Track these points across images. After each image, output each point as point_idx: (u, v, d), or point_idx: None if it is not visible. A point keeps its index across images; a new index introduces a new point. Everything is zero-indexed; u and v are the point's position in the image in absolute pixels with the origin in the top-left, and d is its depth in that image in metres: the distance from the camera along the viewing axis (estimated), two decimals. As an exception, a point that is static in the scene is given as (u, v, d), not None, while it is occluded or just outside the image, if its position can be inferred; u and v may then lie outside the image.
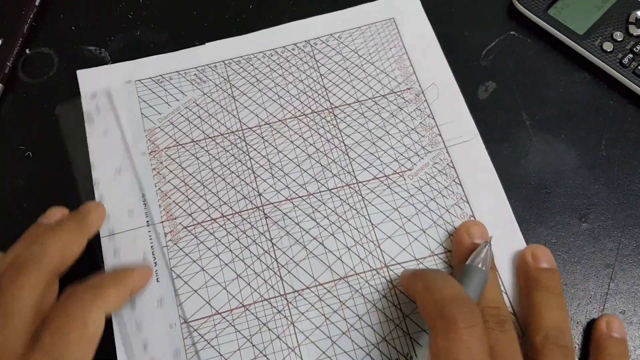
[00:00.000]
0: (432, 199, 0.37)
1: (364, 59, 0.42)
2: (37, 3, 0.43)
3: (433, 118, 0.40)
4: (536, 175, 0.38)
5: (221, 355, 0.33)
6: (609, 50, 0.40)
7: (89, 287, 0.30)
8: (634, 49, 0.40)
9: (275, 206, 0.37)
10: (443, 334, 0.26)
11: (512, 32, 0.43)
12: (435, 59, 0.42)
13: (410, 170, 0.38)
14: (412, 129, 0.39)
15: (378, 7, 0.44)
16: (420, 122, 0.40)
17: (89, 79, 0.42)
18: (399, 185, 0.38)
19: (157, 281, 0.35)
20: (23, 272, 0.28)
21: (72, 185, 0.38)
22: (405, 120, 0.40)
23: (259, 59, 0.42)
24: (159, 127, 0.40)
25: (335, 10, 0.44)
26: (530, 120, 0.40)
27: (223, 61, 0.42)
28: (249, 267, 0.36)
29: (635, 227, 0.37)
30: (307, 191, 0.38)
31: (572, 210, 0.37)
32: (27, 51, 0.43)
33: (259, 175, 0.38)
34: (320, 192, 0.38)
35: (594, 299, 0.35)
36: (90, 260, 0.36)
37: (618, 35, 0.40)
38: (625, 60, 0.39)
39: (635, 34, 0.40)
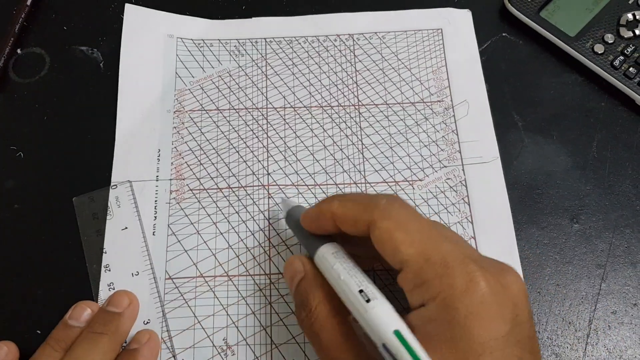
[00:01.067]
0: (436, 213, 0.37)
1: (402, 63, 0.42)
2: (28, 3, 0.43)
3: (457, 134, 0.39)
4: (528, 177, 0.38)
5: (195, 316, 0.34)
6: (600, 52, 0.40)
7: None
8: (625, 51, 0.40)
9: (280, 188, 0.38)
10: None
11: (504, 34, 0.43)
12: (473, 77, 0.41)
13: (421, 180, 0.38)
14: (433, 141, 0.39)
15: (429, 15, 0.43)
16: (443, 136, 0.39)
17: (134, 17, 0.43)
18: (406, 193, 0.38)
19: (153, 235, 0.36)
20: None
21: (66, 186, 0.38)
22: (429, 131, 0.39)
23: (300, 44, 0.43)
24: (189, 89, 0.41)
25: (386, 10, 0.44)
26: (522, 122, 0.40)
27: (265, 38, 0.43)
28: (242, 240, 0.36)
29: (626, 228, 0.37)
30: (315, 181, 0.38)
31: (563, 211, 0.37)
32: (19, 51, 0.43)
33: (272, 155, 0.39)
34: (327, 184, 0.38)
35: (585, 300, 0.35)
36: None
37: (609, 38, 0.41)
38: (616, 62, 0.40)
39: (626, 36, 0.41)
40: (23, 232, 0.37)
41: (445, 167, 0.38)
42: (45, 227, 0.37)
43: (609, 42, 0.41)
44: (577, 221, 0.37)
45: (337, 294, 0.27)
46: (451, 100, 0.40)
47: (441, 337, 0.23)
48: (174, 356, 0.33)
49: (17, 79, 0.42)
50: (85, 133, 0.40)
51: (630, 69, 0.39)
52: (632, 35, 0.41)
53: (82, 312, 0.32)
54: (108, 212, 0.37)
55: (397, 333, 0.22)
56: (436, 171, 0.38)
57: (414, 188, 0.38)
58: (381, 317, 0.24)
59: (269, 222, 0.37)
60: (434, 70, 0.41)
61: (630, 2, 0.42)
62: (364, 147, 0.39)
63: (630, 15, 0.41)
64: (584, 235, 0.37)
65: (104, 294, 0.34)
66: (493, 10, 0.44)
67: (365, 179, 0.38)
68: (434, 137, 0.39)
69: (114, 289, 0.34)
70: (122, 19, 0.44)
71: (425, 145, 0.39)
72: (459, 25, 0.43)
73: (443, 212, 0.37)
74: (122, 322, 0.32)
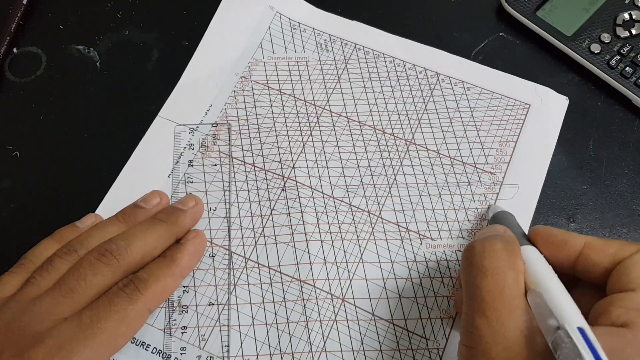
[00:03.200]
0: (429, 277, 0.35)
1: (474, 121, 0.40)
2: (24, 1, 0.43)
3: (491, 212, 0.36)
4: (525, 176, 0.38)
5: None
6: (596, 52, 0.40)
7: (139, 281, 0.31)
8: (621, 50, 0.40)
9: (297, 185, 0.38)
10: None
11: (501, 34, 0.43)
12: (538, 166, 0.38)
13: (432, 240, 0.36)
14: (464, 209, 0.37)
15: (524, 86, 0.41)
16: (477, 208, 0.37)
17: None
18: (411, 244, 0.36)
19: (168, 177, 0.38)
20: (103, 261, 0.31)
21: (62, 185, 0.38)
22: (465, 196, 0.37)
23: (385, 62, 0.42)
24: (264, 62, 0.42)
25: (489, 66, 0.42)
26: (519, 121, 0.40)
27: (355, 43, 0.43)
28: (239, 217, 0.37)
29: (622, 227, 0.37)
30: (332, 193, 0.38)
31: (560, 211, 0.37)
32: (15, 50, 0.43)
33: (305, 152, 0.39)
34: (342, 201, 0.37)
35: (582, 299, 0.35)
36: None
37: (605, 37, 0.41)
38: (613, 62, 0.40)
39: (622, 35, 0.41)
40: (20, 231, 0.37)
41: (463, 238, 0.36)
42: (42, 227, 0.37)
43: (606, 41, 0.41)
44: (574, 220, 0.37)
45: (532, 276, 0.27)
46: (503, 178, 0.38)
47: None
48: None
49: (13, 78, 0.42)
50: (81, 132, 0.40)
51: (627, 68, 0.40)
52: (628, 34, 0.41)
53: (153, 199, 0.35)
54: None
55: (581, 329, 0.23)
56: (451, 238, 0.36)
57: (421, 242, 0.36)
58: (574, 309, 0.24)
59: (270, 212, 0.37)
60: (502, 141, 0.39)
61: (626, 1, 0.42)
62: (395, 182, 0.38)
63: (626, 15, 0.41)
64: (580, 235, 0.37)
65: None
66: (490, 10, 0.44)
67: (379, 213, 0.37)
68: (468, 204, 0.37)
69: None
70: (119, 18, 0.44)
71: (455, 209, 0.37)
72: (550, 108, 0.40)
73: (437, 277, 0.35)
74: (183, 217, 0.35)
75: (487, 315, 0.25)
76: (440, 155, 0.39)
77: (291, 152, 0.39)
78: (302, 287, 0.35)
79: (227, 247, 0.36)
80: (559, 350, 0.22)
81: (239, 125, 0.40)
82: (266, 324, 0.34)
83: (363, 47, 0.42)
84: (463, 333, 0.26)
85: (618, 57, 0.40)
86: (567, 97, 0.40)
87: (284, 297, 0.35)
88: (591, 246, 0.28)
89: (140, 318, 0.31)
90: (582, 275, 0.28)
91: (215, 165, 0.38)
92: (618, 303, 0.25)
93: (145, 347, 0.33)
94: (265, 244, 0.36)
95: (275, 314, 0.34)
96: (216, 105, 0.40)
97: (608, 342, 0.23)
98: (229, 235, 0.36)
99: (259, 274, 0.35)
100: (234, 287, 0.35)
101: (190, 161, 0.38)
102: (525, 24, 0.42)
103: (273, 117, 0.40)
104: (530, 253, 0.28)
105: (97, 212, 0.37)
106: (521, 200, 0.37)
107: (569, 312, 0.24)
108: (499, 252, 0.27)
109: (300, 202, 0.37)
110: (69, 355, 0.28)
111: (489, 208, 0.37)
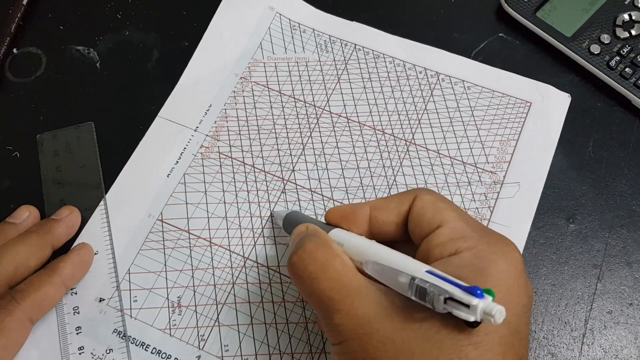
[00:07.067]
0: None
1: (475, 120, 0.40)
2: (24, 2, 0.43)
3: (491, 212, 0.37)
4: (524, 176, 0.38)
5: (165, 264, 0.36)
6: (596, 53, 0.40)
7: (16, 292, 0.31)
8: (621, 51, 0.40)
9: (297, 188, 0.38)
10: None
11: (500, 34, 0.43)
12: (540, 164, 0.38)
13: None
14: (465, 209, 0.37)
15: (525, 84, 0.40)
16: (477, 208, 0.37)
17: None
18: None
19: (167, 177, 0.38)
20: None
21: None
22: (465, 196, 0.37)
23: (385, 62, 0.42)
24: (264, 62, 0.42)
25: (488, 64, 0.42)
26: (518, 122, 0.40)
27: (355, 44, 0.43)
28: (239, 217, 0.37)
29: (622, 228, 0.37)
30: (331, 195, 0.38)
31: (560, 211, 0.37)
32: (15, 51, 0.43)
33: (305, 154, 0.39)
34: (341, 202, 0.37)
35: (581, 299, 0.35)
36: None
37: (605, 38, 0.41)
38: (612, 63, 0.40)
39: (622, 36, 0.41)
40: (19, 232, 0.37)
41: None
42: (42, 227, 0.37)
43: (605, 42, 0.41)
44: (573, 221, 0.37)
45: (355, 251, 0.27)
46: (504, 177, 0.38)
47: (471, 281, 0.24)
48: (118, 286, 0.35)
49: (14, 78, 0.42)
50: (81, 133, 0.40)
51: (626, 69, 0.40)
52: (628, 35, 0.41)
53: (22, 213, 0.35)
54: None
55: (430, 271, 0.24)
56: None
57: None
58: (412, 260, 0.25)
59: (271, 214, 0.37)
60: (503, 140, 0.39)
61: (626, 2, 0.42)
62: (395, 183, 0.38)
63: (626, 16, 0.41)
64: (580, 235, 0.37)
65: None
66: (490, 11, 0.44)
67: None
68: (468, 204, 0.37)
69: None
70: (119, 18, 0.44)
71: None
72: (552, 106, 0.40)
73: None
74: (57, 226, 0.34)
75: (339, 309, 0.25)
76: (440, 155, 0.39)
77: (291, 155, 0.39)
78: None
79: (226, 247, 0.36)
80: (427, 295, 0.23)
81: (239, 126, 0.40)
82: (265, 323, 0.34)
83: (363, 47, 0.42)
84: (329, 336, 0.26)
85: (618, 57, 0.40)
86: (568, 94, 0.40)
87: (283, 298, 0.35)
88: (376, 207, 0.29)
89: (20, 329, 0.31)
90: (378, 237, 0.29)
91: (215, 165, 0.38)
92: (434, 242, 0.27)
93: (144, 347, 0.33)
94: (265, 244, 0.36)
95: (275, 314, 0.34)
96: (216, 105, 0.40)
97: (449, 271, 0.24)
98: (227, 235, 0.36)
99: (258, 274, 0.35)
100: (233, 286, 0.35)
101: (190, 162, 0.38)
102: (525, 25, 0.42)
103: (273, 118, 0.40)
104: (341, 234, 0.29)
105: (96, 212, 0.37)
106: (522, 198, 0.37)
107: (410, 264, 0.25)
108: (314, 252, 0.27)
109: (299, 204, 0.37)
110: None
111: (272, 217, 0.37)
